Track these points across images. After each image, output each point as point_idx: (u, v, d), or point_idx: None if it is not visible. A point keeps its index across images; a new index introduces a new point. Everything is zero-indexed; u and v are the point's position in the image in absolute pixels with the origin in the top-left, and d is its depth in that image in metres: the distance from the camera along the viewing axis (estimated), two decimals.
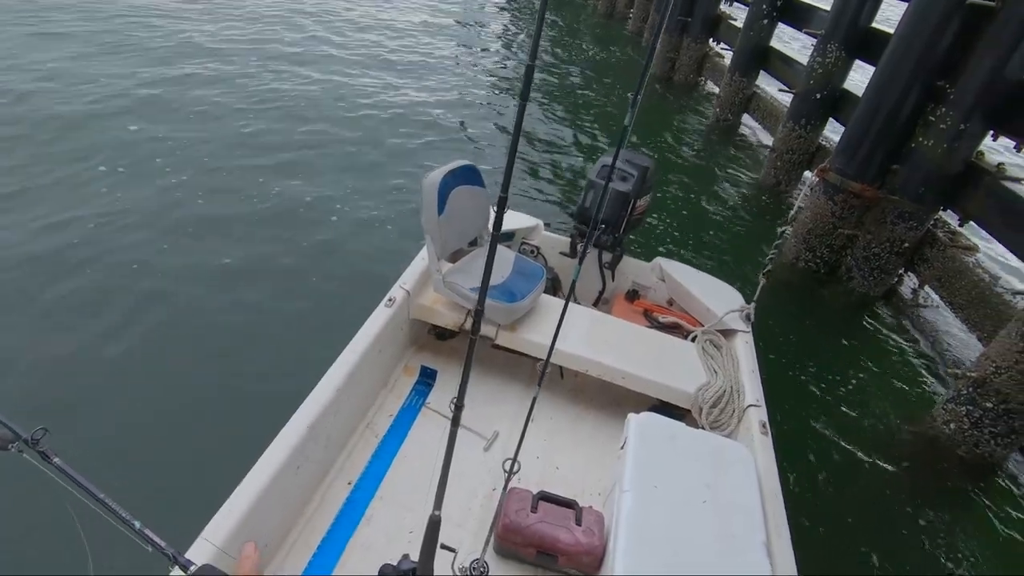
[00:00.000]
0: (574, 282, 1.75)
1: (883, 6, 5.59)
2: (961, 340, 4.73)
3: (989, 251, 5.40)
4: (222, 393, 3.20)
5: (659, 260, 3.21)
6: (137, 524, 1.21)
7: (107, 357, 3.33)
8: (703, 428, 2.35)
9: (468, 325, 2.62)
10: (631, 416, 2.12)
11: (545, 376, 1.75)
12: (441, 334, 2.95)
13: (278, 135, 6.24)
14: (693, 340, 2.82)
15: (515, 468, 1.74)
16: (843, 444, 3.61)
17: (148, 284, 3.90)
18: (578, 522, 1.91)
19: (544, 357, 2.02)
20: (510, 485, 1.86)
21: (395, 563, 1.31)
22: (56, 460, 1.20)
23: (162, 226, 4.50)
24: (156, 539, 1.22)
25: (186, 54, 8.05)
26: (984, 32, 4.00)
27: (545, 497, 1.98)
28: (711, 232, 5.87)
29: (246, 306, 3.84)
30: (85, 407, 3.03)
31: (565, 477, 2.41)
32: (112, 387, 3.17)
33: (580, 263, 1.70)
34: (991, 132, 4.26)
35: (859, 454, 3.58)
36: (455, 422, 1.25)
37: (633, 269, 3.27)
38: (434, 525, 1.27)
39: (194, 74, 7.45)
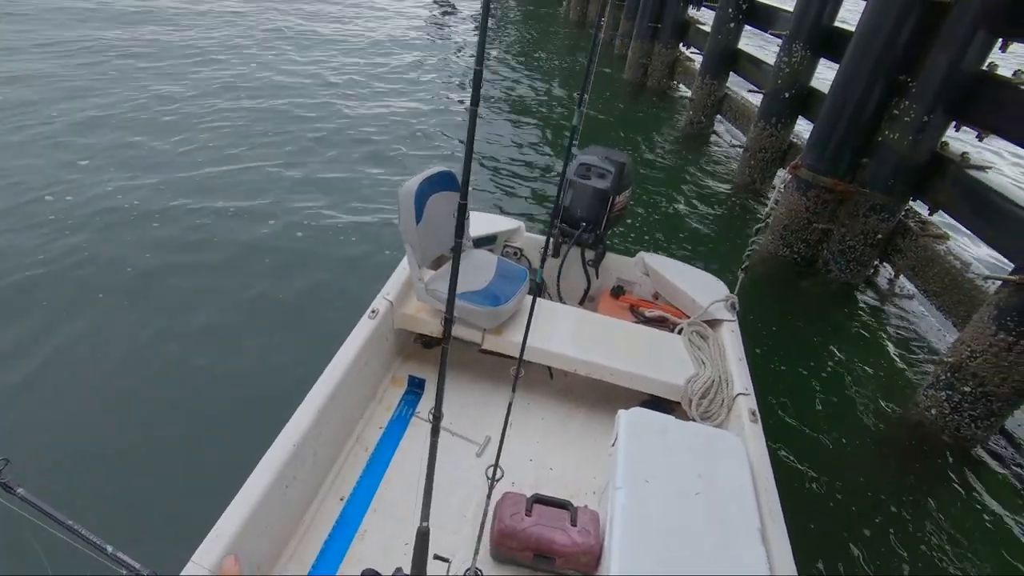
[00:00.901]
0: (557, 279, 1.76)
1: (845, 5, 5.75)
2: (938, 326, 4.83)
3: (960, 239, 5.53)
4: (205, 416, 3.15)
5: (642, 255, 3.23)
6: (109, 548, 1.19)
7: (76, 380, 3.28)
8: (694, 419, 2.36)
9: (453, 331, 2.60)
10: (621, 412, 2.14)
11: (519, 377, 1.75)
12: (427, 342, 2.93)
13: (237, 155, 6.20)
14: (680, 332, 2.84)
15: (498, 475, 1.74)
16: (830, 431, 3.66)
17: (117, 305, 3.85)
18: (573, 522, 1.92)
19: (532, 359, 2.03)
20: (505, 490, 1.86)
21: (384, 573, 1.31)
22: (20, 491, 1.17)
23: (125, 241, 4.47)
24: (131, 561, 1.20)
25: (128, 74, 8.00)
26: (940, 27, 4.12)
27: (539, 500, 1.98)
28: (690, 233, 5.94)
29: (223, 326, 3.80)
30: (48, 432, 2.96)
31: (559, 478, 2.40)
32: (81, 411, 3.11)
33: (562, 262, 1.71)
34: (953, 123, 4.39)
35: (847, 440, 3.63)
36: (435, 431, 1.26)
37: (617, 265, 3.28)
38: (423, 537, 1.27)
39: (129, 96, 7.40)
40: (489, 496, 1.75)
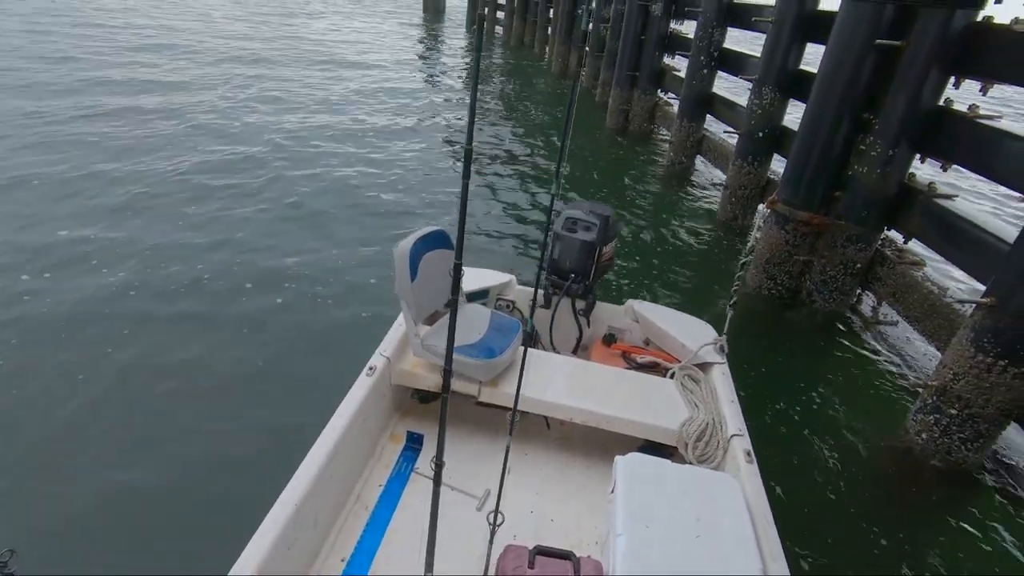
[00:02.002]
0: (550, 328, 1.84)
1: (808, 49, 6.08)
2: (923, 351, 4.91)
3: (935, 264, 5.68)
4: (201, 481, 3.09)
5: (631, 302, 3.33)
6: None
7: (61, 452, 3.23)
8: (690, 463, 2.39)
9: (451, 386, 2.65)
10: (618, 459, 2.16)
11: (516, 425, 1.80)
12: (424, 397, 2.97)
13: (229, 215, 6.34)
14: (672, 377, 2.90)
15: (499, 520, 1.75)
16: (825, 464, 3.67)
17: (106, 369, 3.85)
18: (576, 573, 1.91)
19: (529, 409, 2.06)
20: (506, 542, 1.86)
21: None
22: None
23: (112, 313, 4.51)
24: None
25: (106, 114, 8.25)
26: (896, 67, 4.38)
27: (542, 551, 1.97)
28: (677, 269, 6.07)
29: (220, 389, 3.80)
30: (45, 513, 2.90)
31: (561, 528, 2.41)
32: (66, 478, 3.05)
33: (554, 313, 1.78)
34: (918, 156, 4.60)
35: (842, 472, 3.63)
36: (437, 480, 1.29)
37: (607, 314, 3.38)
38: None
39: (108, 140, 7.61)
40: (491, 542, 1.75)
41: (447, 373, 1.22)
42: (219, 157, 7.89)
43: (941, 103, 4.37)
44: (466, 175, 1.09)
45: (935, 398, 3.70)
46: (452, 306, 1.17)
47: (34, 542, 2.68)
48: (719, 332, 3.03)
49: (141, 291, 4.73)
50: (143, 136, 8.36)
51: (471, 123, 1.09)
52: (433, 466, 1.26)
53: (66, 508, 2.87)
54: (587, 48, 13.93)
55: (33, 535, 2.74)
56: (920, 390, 3.92)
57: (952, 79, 4.29)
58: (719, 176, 8.45)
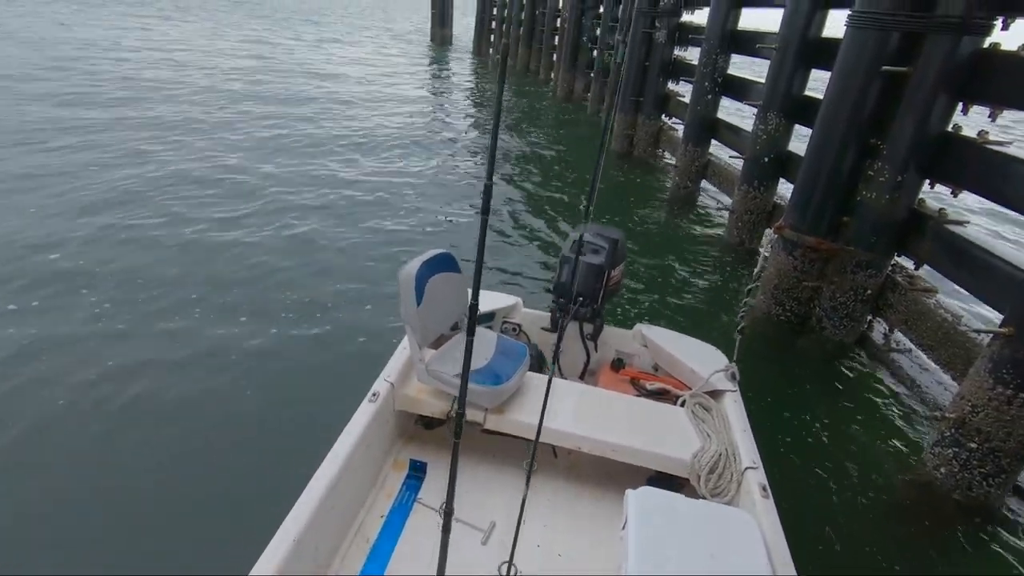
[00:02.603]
0: (556, 358, 1.78)
1: (813, 75, 6.09)
2: (938, 380, 4.77)
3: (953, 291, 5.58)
4: (198, 512, 3.00)
5: (640, 326, 3.26)
6: None
7: (47, 470, 3.18)
8: (703, 497, 2.30)
9: (454, 413, 2.58)
10: (629, 493, 2.07)
11: (534, 463, 1.71)
12: (428, 423, 2.89)
13: (228, 236, 6.35)
14: (682, 405, 2.80)
15: (512, 572, 1.64)
16: (840, 498, 3.53)
17: (101, 391, 3.80)
18: None
19: (534, 437, 1.96)
20: (513, 559, 1.76)
21: None
22: None
23: (116, 317, 4.46)
24: None
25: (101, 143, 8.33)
26: (903, 93, 4.35)
27: None
28: (683, 294, 6.00)
29: (221, 413, 3.74)
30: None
31: (569, 563, 2.31)
32: (58, 501, 2.99)
33: (561, 337, 1.72)
34: (927, 181, 4.55)
35: (858, 507, 3.49)
36: (445, 529, 1.22)
37: (615, 338, 3.30)
38: None
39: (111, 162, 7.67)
40: None
41: (459, 416, 1.16)
42: (220, 188, 7.93)
43: (950, 129, 4.33)
44: (485, 210, 1.04)
45: (953, 431, 3.57)
46: (467, 348, 1.11)
47: None
48: (729, 359, 2.95)
49: (128, 319, 4.69)
50: (147, 164, 8.43)
51: (491, 159, 1.05)
52: (441, 513, 1.19)
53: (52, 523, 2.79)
54: (592, 74, 14.11)
55: None
56: (937, 422, 3.79)
57: (960, 105, 4.26)
58: (725, 200, 8.42)
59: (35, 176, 7.37)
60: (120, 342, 4.34)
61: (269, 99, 13.27)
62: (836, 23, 5.67)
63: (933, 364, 4.63)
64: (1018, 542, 3.34)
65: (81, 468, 3.24)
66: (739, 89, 7.67)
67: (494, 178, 1.01)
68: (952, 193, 4.41)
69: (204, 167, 8.38)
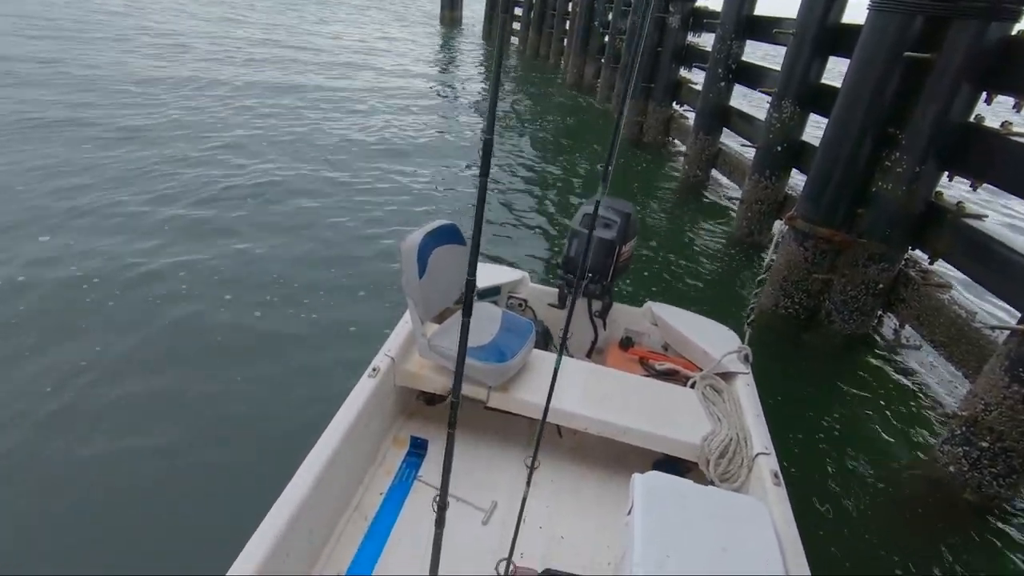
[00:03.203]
0: (564, 339, 1.70)
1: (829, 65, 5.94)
2: (949, 377, 4.69)
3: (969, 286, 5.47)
4: (194, 487, 2.97)
5: (650, 304, 3.17)
6: None
7: (47, 446, 3.13)
8: (712, 482, 2.23)
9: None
10: (636, 477, 2.00)
11: (539, 449, 1.63)
12: (430, 399, 2.83)
13: (237, 208, 6.29)
14: (693, 386, 2.73)
15: (510, 570, 1.60)
16: (848, 493, 3.46)
17: (97, 368, 3.75)
18: None
19: (538, 415, 1.91)
20: (512, 556, 1.71)
21: None
22: None
23: (126, 304, 4.42)
24: None
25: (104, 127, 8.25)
26: (925, 81, 4.21)
27: (552, 575, 1.83)
28: (691, 284, 5.91)
29: (218, 387, 3.69)
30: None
31: (571, 547, 2.25)
32: (52, 477, 2.95)
33: (569, 313, 1.65)
34: (946, 173, 4.42)
35: (867, 502, 3.43)
36: (439, 523, 1.15)
37: (625, 316, 3.21)
38: None
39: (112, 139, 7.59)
40: None
41: (453, 407, 1.08)
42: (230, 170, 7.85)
43: (972, 119, 4.19)
44: (484, 170, 0.95)
45: (965, 429, 3.49)
46: (463, 330, 1.02)
47: None
48: (739, 337, 2.87)
49: (124, 300, 4.64)
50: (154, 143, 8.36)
51: (492, 112, 0.95)
52: (435, 507, 1.11)
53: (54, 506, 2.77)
54: (603, 60, 13.89)
55: None
56: (948, 419, 3.72)
57: (984, 94, 4.12)
58: (735, 190, 8.28)
59: None
60: (119, 317, 4.30)
61: (261, 86, 13.13)
62: (855, 9, 5.52)
63: (944, 361, 4.55)
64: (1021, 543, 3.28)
65: (81, 444, 3.21)
66: (753, 76, 7.50)
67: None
68: (971, 186, 4.29)
69: (210, 145, 8.30)
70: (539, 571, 1.84)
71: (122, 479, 2.98)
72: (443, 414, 2.81)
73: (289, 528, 1.79)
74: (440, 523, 1.15)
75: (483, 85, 15.75)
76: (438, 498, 1.16)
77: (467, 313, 1.03)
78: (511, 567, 1.56)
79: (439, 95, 13.91)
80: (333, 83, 13.37)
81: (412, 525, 2.24)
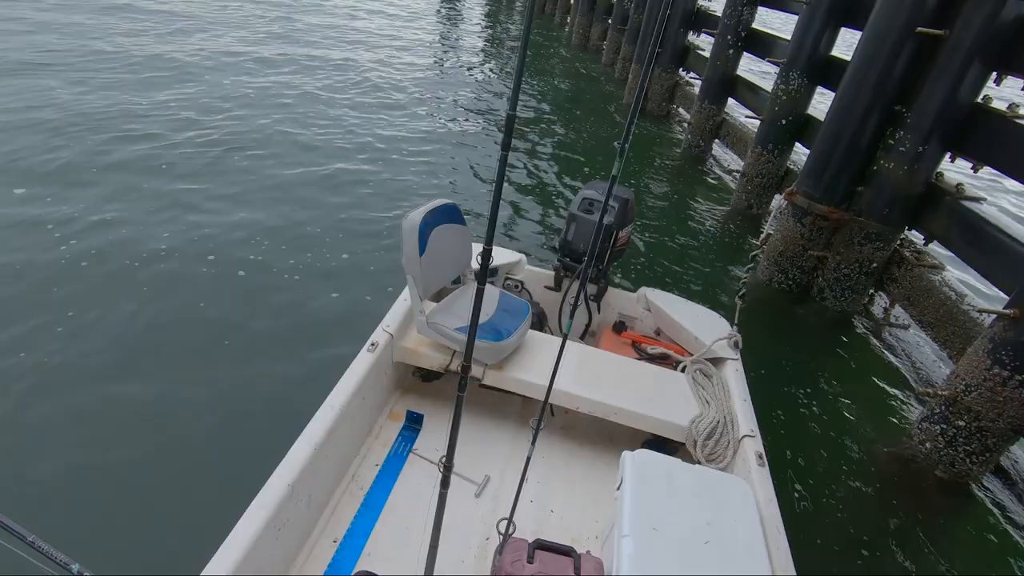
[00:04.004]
0: (559, 314, 1.71)
1: (842, 34, 5.80)
2: (934, 358, 4.78)
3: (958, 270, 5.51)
4: (194, 453, 2.98)
5: (644, 290, 3.21)
6: (30, 537, 1.11)
7: (54, 405, 3.15)
8: (698, 462, 2.30)
9: (454, 366, 2.57)
10: (626, 454, 2.07)
11: (542, 421, 1.67)
12: (426, 375, 2.88)
13: (241, 178, 6.18)
14: (683, 370, 2.79)
15: (510, 530, 1.65)
16: (828, 468, 3.57)
17: (102, 338, 3.73)
18: (577, 571, 1.82)
19: (532, 395, 1.94)
20: (513, 517, 1.78)
21: None
22: None
23: (117, 272, 4.39)
24: (55, 552, 1.12)
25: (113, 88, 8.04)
26: (935, 59, 4.14)
27: (542, 546, 1.88)
28: (686, 256, 5.91)
29: (216, 359, 3.66)
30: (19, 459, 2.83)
31: (561, 520, 2.33)
32: (62, 444, 2.97)
33: (564, 296, 1.65)
34: (948, 154, 4.39)
35: (846, 477, 3.54)
36: (444, 483, 1.19)
37: (619, 300, 3.26)
38: None
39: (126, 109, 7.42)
40: (500, 553, 1.65)
41: (465, 369, 1.10)
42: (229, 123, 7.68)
43: (979, 100, 4.14)
44: (506, 145, 0.95)
45: (943, 408, 3.58)
46: (476, 298, 1.03)
47: None
48: (731, 325, 2.92)
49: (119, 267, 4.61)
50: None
51: (516, 88, 0.94)
52: (440, 467, 1.15)
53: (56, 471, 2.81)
54: (610, 20, 13.50)
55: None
56: (928, 398, 3.80)
57: (994, 75, 4.06)
58: (736, 163, 8.20)
59: None
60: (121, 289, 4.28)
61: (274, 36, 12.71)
62: None
63: (930, 341, 4.62)
64: (990, 519, 3.40)
65: (85, 411, 3.23)
66: (763, 45, 7.33)
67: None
68: (973, 168, 4.27)
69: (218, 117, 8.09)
70: (530, 541, 1.91)
71: (121, 451, 2.97)
72: (439, 390, 2.85)
73: (288, 495, 1.84)
74: (445, 483, 1.19)
75: (484, 45, 15.28)
76: (442, 458, 1.20)
77: (483, 279, 1.03)
78: (511, 527, 1.60)
79: (437, 60, 13.53)
80: (325, 52, 12.94)
81: (407, 496, 2.31)
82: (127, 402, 3.22)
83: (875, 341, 4.92)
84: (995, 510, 3.46)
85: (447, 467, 1.16)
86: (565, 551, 1.89)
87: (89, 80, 7.91)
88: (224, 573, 1.58)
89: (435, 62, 12.64)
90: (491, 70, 12.79)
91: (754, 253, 2.87)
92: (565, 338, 1.62)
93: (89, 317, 3.79)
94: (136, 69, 8.64)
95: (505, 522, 1.62)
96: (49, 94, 7.26)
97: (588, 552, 1.91)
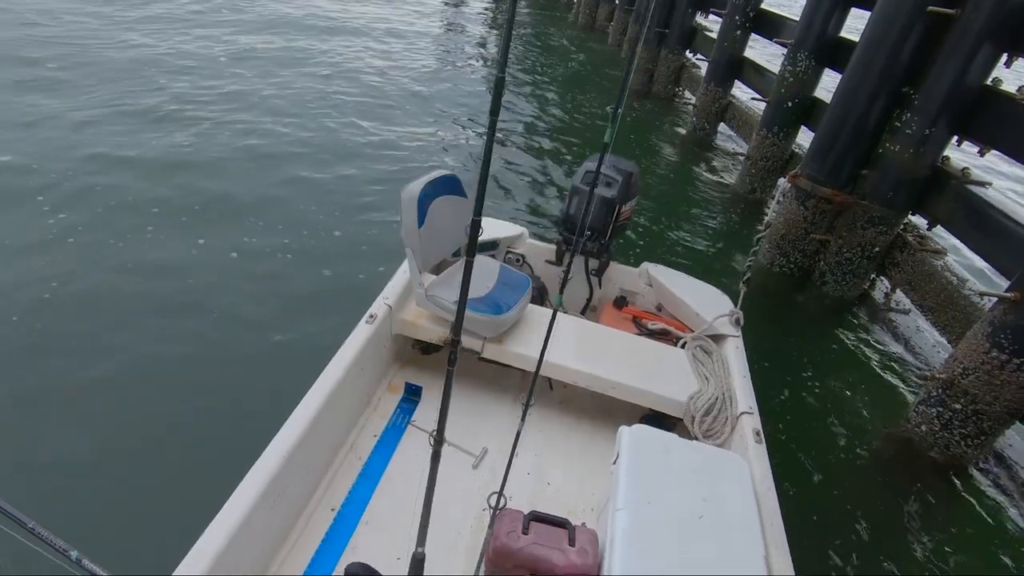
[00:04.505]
0: (562, 288, 1.70)
1: (851, 15, 5.70)
2: (933, 343, 4.77)
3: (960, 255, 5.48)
4: (193, 423, 3.01)
5: (646, 265, 3.19)
6: (74, 554, 1.12)
7: (58, 385, 3.14)
8: (696, 438, 2.31)
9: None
10: (623, 429, 2.07)
11: (532, 396, 1.67)
12: (426, 348, 2.88)
13: (238, 150, 6.15)
14: (683, 346, 2.79)
15: (501, 503, 1.66)
16: (825, 448, 3.60)
17: (106, 310, 3.75)
18: (571, 542, 1.84)
19: (531, 368, 1.94)
20: (500, 504, 1.78)
21: None
22: None
23: (123, 247, 4.40)
24: (97, 570, 1.13)
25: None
26: (945, 39, 4.07)
27: (537, 517, 1.90)
28: (689, 240, 5.89)
29: (215, 331, 3.69)
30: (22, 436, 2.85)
31: (557, 493, 2.35)
32: (56, 412, 2.98)
33: (566, 270, 1.64)
34: (956, 137, 4.34)
35: (842, 457, 3.58)
36: (435, 457, 1.18)
37: (620, 275, 3.24)
38: (417, 564, 1.22)
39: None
40: (491, 527, 1.67)
41: (454, 343, 1.10)
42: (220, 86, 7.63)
43: (988, 82, 4.08)
44: (495, 110, 0.90)
45: (940, 391, 3.59)
46: (466, 269, 1.02)
47: None
48: (732, 301, 2.91)
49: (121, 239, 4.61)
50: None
51: (505, 48, 0.89)
52: (432, 440, 1.15)
53: (39, 428, 2.85)
54: (617, 1, 13.30)
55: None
56: (925, 381, 3.81)
57: (1005, 56, 3.99)
58: (741, 146, 8.13)
59: None
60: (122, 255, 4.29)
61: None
62: None
63: (930, 326, 4.62)
64: (983, 502, 3.43)
65: (86, 375, 3.26)
66: (771, 26, 7.22)
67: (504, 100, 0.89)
68: (979, 152, 4.22)
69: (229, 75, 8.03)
70: (525, 512, 1.93)
71: (117, 430, 2.98)
72: (438, 363, 2.86)
73: (286, 463, 1.85)
74: (436, 457, 1.19)
75: (485, 22, 15.09)
76: (434, 432, 1.19)
77: (472, 251, 1.02)
78: (503, 501, 1.62)
79: (440, 36, 13.37)
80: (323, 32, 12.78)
81: (404, 466, 2.33)
82: (120, 379, 3.23)
83: (875, 325, 4.92)
84: (986, 493, 3.49)
85: (438, 440, 1.16)
86: (560, 523, 1.90)
87: None
88: (221, 541, 1.59)
89: (436, 39, 12.49)
90: (494, 47, 12.64)
91: (758, 237, 2.86)
92: (556, 311, 1.62)
93: (71, 290, 3.77)
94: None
95: (496, 495, 1.64)
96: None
97: (583, 524, 1.93)
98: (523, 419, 1.75)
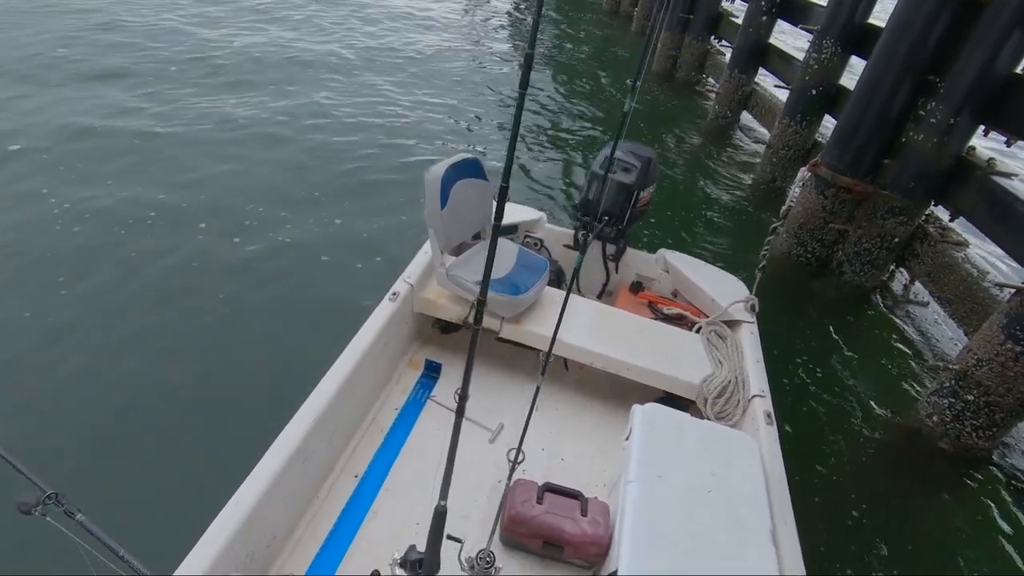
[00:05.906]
0: (576, 271, 1.75)
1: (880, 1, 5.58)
2: (950, 335, 4.73)
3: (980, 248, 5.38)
4: (226, 393, 3.17)
5: (663, 251, 3.24)
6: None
7: (87, 358, 3.29)
8: (708, 419, 2.37)
9: (472, 318, 2.62)
10: (636, 407, 2.14)
11: (547, 366, 1.74)
12: (445, 327, 2.97)
13: (268, 128, 6.30)
14: (698, 331, 2.84)
15: (520, 458, 1.72)
16: (838, 435, 3.63)
17: (139, 291, 3.88)
18: (584, 513, 1.92)
19: (547, 348, 2.01)
20: (515, 476, 1.86)
21: (402, 553, 1.34)
22: (80, 516, 1.16)
23: (142, 218, 4.57)
24: None
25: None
26: (974, 26, 3.99)
27: (551, 488, 1.99)
28: (707, 226, 5.89)
29: (245, 309, 3.83)
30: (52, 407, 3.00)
31: (570, 468, 2.43)
32: (92, 402, 3.08)
33: (583, 255, 1.69)
34: (982, 127, 4.26)
35: (853, 444, 3.60)
36: (459, 412, 1.25)
37: (637, 261, 3.29)
38: (440, 515, 1.28)
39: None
40: (510, 479, 1.74)
41: (480, 304, 1.16)
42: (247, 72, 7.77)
43: (1018, 71, 3.99)
44: (524, 83, 0.93)
45: (953, 382, 3.58)
46: (494, 232, 1.06)
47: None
48: (748, 288, 2.94)
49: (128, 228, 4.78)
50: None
51: (535, 24, 0.94)
52: (455, 398, 1.23)
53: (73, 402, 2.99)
54: None
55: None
56: (938, 372, 3.80)
57: None
58: (763, 134, 8.03)
59: None
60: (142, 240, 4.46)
61: None
62: None
63: (947, 318, 4.57)
64: (989, 492, 3.43)
65: (99, 347, 3.44)
66: (798, 11, 7.07)
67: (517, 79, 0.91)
68: (1007, 143, 4.14)
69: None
70: (540, 484, 2.00)
71: (152, 393, 3.15)
72: (457, 341, 2.95)
73: (311, 432, 1.95)
74: (460, 412, 1.26)
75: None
76: (458, 390, 1.26)
77: (499, 217, 1.06)
78: (521, 455, 1.67)
79: (464, 20, 13.32)
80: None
81: (424, 438, 2.42)
82: (157, 357, 3.39)
83: (891, 316, 4.88)
84: (994, 484, 3.49)
85: (463, 396, 1.23)
86: (573, 494, 1.99)
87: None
88: (254, 496, 1.70)
89: (462, 25, 12.47)
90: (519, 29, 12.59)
91: (775, 225, 2.86)
92: (569, 290, 1.69)
93: (87, 282, 3.88)
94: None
95: (515, 451, 1.70)
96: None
97: (596, 498, 2.01)
98: (536, 393, 1.82)
